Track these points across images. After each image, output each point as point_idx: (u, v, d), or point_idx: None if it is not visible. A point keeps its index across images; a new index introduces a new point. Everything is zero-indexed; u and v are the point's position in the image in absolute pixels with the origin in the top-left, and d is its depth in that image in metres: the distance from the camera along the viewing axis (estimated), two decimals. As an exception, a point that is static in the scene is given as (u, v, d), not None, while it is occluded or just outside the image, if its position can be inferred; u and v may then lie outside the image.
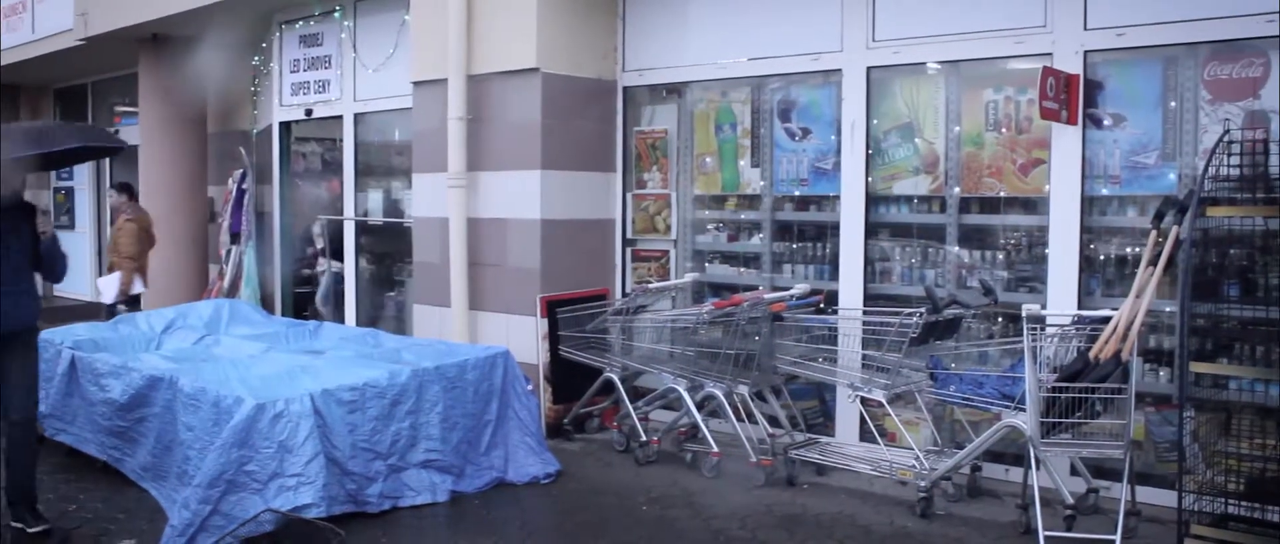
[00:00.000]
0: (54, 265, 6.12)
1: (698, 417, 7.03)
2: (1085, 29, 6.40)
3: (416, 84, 8.89)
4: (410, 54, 9.04)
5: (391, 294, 10.86)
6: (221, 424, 5.71)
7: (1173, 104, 6.24)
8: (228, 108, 12.85)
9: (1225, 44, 6.00)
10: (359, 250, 10.85)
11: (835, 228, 7.49)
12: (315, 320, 9.10)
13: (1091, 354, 5.35)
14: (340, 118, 10.75)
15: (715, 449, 6.93)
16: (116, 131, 16.39)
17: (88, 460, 6.99)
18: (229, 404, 5.75)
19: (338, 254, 10.92)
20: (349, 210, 10.77)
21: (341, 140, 10.82)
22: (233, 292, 11.62)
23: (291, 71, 11.22)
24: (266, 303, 11.50)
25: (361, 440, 6.10)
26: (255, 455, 5.64)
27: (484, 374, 6.75)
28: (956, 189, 7.05)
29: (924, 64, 7.13)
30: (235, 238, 11.94)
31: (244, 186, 11.85)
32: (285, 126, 11.52)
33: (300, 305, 11.68)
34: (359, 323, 10.62)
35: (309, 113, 11.05)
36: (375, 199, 10.83)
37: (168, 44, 12.23)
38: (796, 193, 7.87)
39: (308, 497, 5.70)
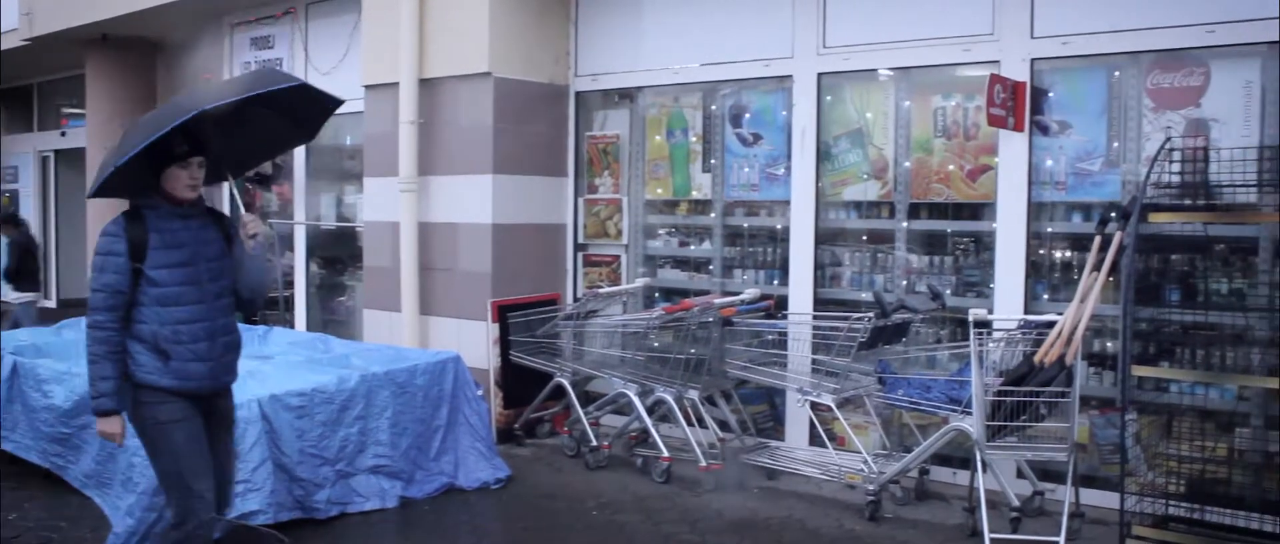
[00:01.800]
0: (255, 290, 4.83)
1: (648, 421, 7.04)
2: (1032, 37, 6.48)
3: (368, 88, 8.84)
4: (361, 57, 8.99)
5: (342, 299, 10.79)
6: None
7: (1117, 112, 6.33)
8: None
9: (1167, 53, 6.10)
10: (309, 255, 10.77)
11: (786, 233, 7.53)
12: (265, 325, 9.03)
13: (1036, 358, 5.41)
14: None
15: (666, 454, 6.94)
16: (62, 134, 16.24)
17: (30, 468, 6.88)
18: (174, 410, 5.69)
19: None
20: (299, 214, 10.69)
21: (292, 144, 10.72)
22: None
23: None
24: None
25: (310, 446, 6.06)
26: (201, 461, 5.58)
27: (434, 379, 6.73)
28: (906, 195, 7.11)
29: (874, 70, 7.19)
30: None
31: (194, 190, 11.69)
32: (236, 129, 11.38)
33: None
34: (309, 328, 10.54)
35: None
36: (326, 203, 10.76)
37: (116, 45, 12.09)
38: (747, 198, 7.91)
39: (255, 503, 5.65)
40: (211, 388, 4.66)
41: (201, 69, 11.81)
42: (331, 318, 10.76)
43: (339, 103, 5.00)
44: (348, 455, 6.25)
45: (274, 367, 6.84)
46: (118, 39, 12.04)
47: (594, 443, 7.36)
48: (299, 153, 10.59)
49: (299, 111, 4.96)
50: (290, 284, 10.90)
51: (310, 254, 10.78)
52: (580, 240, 8.68)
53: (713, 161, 8.03)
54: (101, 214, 11.61)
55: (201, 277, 4.55)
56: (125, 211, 4.52)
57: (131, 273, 4.41)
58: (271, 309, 11.18)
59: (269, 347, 7.86)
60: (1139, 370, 5.66)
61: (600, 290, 7.89)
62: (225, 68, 11.25)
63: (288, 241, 10.91)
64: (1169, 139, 5.72)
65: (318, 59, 10.20)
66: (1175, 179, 5.62)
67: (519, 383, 7.98)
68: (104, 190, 4.37)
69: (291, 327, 10.48)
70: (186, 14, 10.87)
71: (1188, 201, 5.69)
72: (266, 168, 10.74)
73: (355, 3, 9.21)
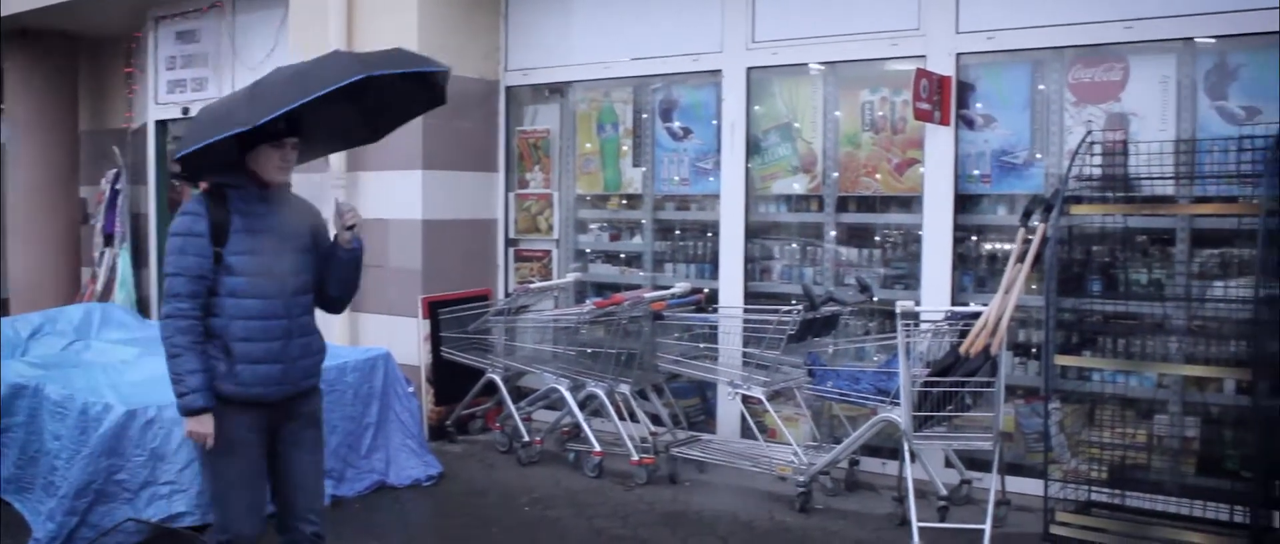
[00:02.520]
0: (346, 287, 4.41)
1: (580, 416, 7.04)
2: (957, 32, 6.56)
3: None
4: (289, 53, 8.88)
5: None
6: (89, 433, 5.54)
7: (1040, 106, 6.43)
8: (101, 105, 12.50)
9: (1088, 48, 6.20)
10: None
11: (715, 227, 7.56)
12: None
13: (962, 349, 5.48)
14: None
15: (597, 448, 6.95)
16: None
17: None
18: (98, 412, 5.58)
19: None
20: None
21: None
22: (106, 295, 11.31)
23: (167, 68, 10.93)
24: (143, 306, 11.22)
25: (237, 445, 5.98)
26: (125, 464, 5.49)
27: (364, 376, 6.67)
28: (834, 188, 7.17)
29: (802, 65, 7.24)
30: (109, 240, 11.61)
31: (118, 187, 11.52)
32: (161, 125, 11.23)
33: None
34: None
35: (186, 111, 10.80)
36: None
37: (36, 39, 11.85)
38: (678, 192, 7.93)
39: (182, 505, 5.58)
40: (283, 393, 4.16)
41: (125, 64, 11.63)
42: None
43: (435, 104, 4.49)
44: (275, 455, 6.17)
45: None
46: (38, 32, 11.79)
47: (526, 438, 7.35)
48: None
49: (395, 103, 4.51)
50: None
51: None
52: (511, 235, 8.65)
53: (643, 156, 8.04)
54: (27, 212, 11.41)
55: (283, 269, 4.12)
56: (206, 189, 4.08)
57: (213, 257, 3.98)
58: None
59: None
60: (1062, 360, 5.77)
61: (531, 285, 7.87)
62: (149, 62, 11.06)
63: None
64: (1089, 133, 5.82)
65: (245, 54, 10.06)
66: (1096, 172, 5.74)
67: (450, 379, 7.94)
68: (188, 160, 3.87)
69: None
70: (108, 6, 10.66)
71: (1108, 194, 5.82)
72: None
73: (282, -3, 9.11)
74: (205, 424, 3.99)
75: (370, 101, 4.36)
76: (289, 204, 4.25)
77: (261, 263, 4.05)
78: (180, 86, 10.83)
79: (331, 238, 4.30)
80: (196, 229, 3.97)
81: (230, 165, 4.06)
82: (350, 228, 4.21)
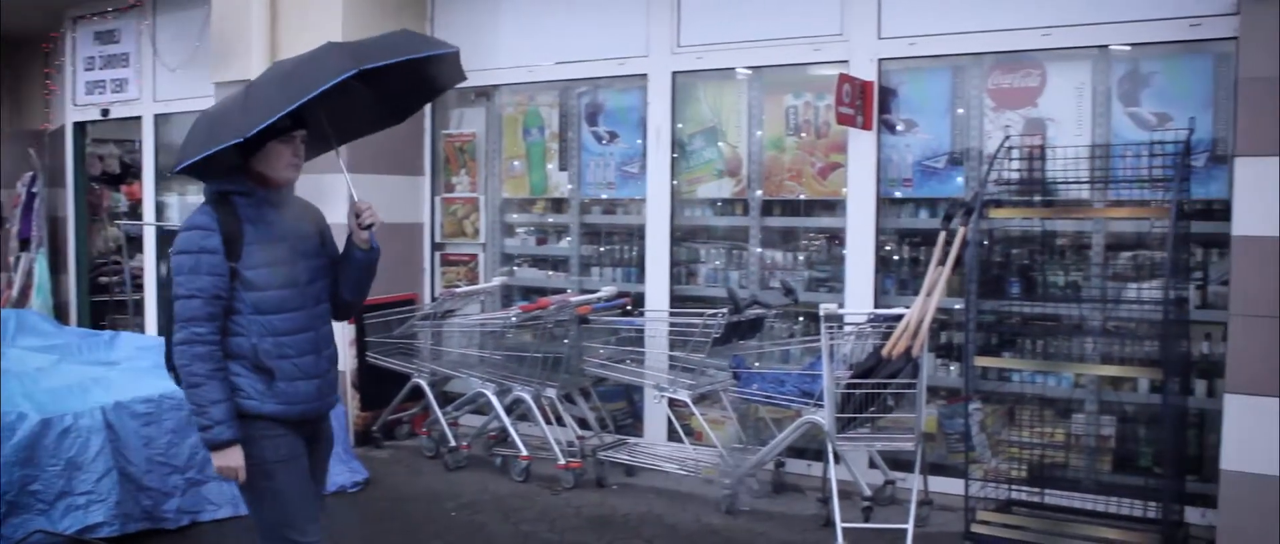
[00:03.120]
0: (361, 290, 4.16)
1: (506, 421, 7.02)
2: (879, 38, 6.63)
3: (218, 85, 8.61)
4: (211, 54, 8.76)
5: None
6: (2, 442, 5.42)
7: (960, 111, 6.53)
8: (20, 107, 12.23)
9: (1007, 55, 6.31)
10: (160, 257, 10.47)
11: (642, 231, 7.59)
12: (111, 330, 8.76)
13: (884, 351, 5.55)
14: (139, 119, 10.36)
15: (524, 453, 6.94)
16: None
17: None
18: (11, 421, 5.46)
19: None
20: (149, 215, 10.38)
21: (141, 142, 10.43)
22: (22, 301, 11.06)
23: (86, 69, 10.75)
24: (60, 312, 10.99)
25: (158, 454, 5.90)
26: (40, 474, 5.40)
27: (288, 382, 6.59)
28: (759, 192, 7.22)
29: (727, 69, 7.28)
30: (25, 244, 11.35)
31: (34, 190, 11.28)
32: (80, 127, 11.03)
33: (98, 314, 11.21)
34: (160, 332, 10.24)
35: (105, 113, 10.62)
36: (176, 204, 10.47)
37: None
38: (604, 196, 7.95)
39: (99, 515, 5.49)
40: (319, 410, 3.97)
41: (44, 65, 11.39)
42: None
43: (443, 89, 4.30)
44: (198, 463, 6.08)
45: (121, 373, 6.63)
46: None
47: (453, 443, 7.32)
48: (148, 151, 10.30)
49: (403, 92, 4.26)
50: (139, 287, 10.58)
51: (161, 256, 10.47)
52: (437, 240, 8.61)
53: (569, 160, 8.04)
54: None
55: (301, 277, 3.83)
56: (211, 198, 3.73)
57: (228, 273, 3.66)
58: (119, 314, 10.88)
59: (116, 352, 7.60)
60: (982, 361, 5.87)
61: (458, 290, 7.83)
62: (67, 63, 10.86)
63: (137, 244, 10.60)
64: (1008, 138, 5.93)
65: (166, 54, 9.92)
66: (1015, 177, 5.85)
67: (376, 384, 7.88)
68: (196, 167, 3.58)
69: (141, 331, 10.17)
70: (24, 6, 10.44)
71: (1026, 198, 5.93)
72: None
73: (204, -2, 8.98)
74: (234, 457, 3.67)
75: (381, 87, 4.06)
76: (295, 207, 3.95)
77: (283, 274, 3.77)
78: (99, 88, 10.65)
79: (348, 237, 4.01)
80: (209, 245, 3.63)
81: (233, 170, 3.74)
82: (368, 227, 3.93)
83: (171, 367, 3.75)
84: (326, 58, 3.68)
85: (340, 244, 4.04)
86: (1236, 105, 5.25)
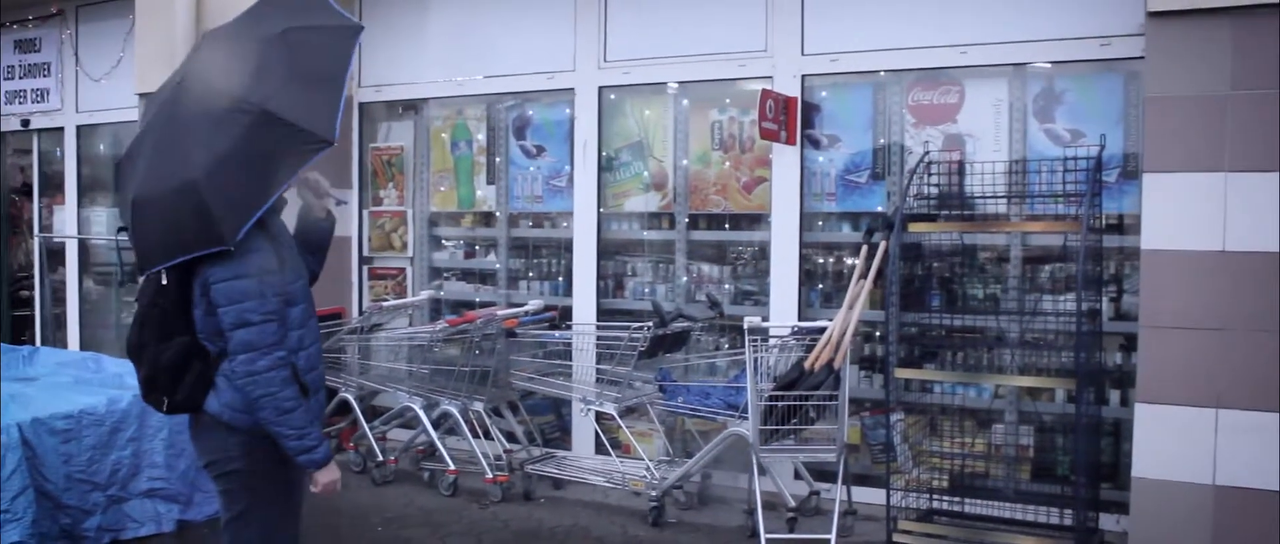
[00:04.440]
0: (323, 262, 4.13)
1: (434, 435, 7.01)
2: (803, 54, 6.72)
3: (143, 96, 8.51)
4: (135, 64, 8.66)
5: (119, 317, 10.35)
6: (-86, 460, 5.33)
7: (882, 126, 6.64)
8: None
9: (926, 72, 6.43)
10: (82, 270, 10.30)
11: (569, 244, 7.62)
12: (30, 346, 8.60)
13: (806, 364, 5.63)
14: (61, 130, 10.21)
15: (452, 467, 6.93)
16: None
17: None
18: (-80, 439, 5.37)
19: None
20: (71, 228, 10.22)
21: (63, 154, 10.28)
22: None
23: (5, 78, 10.56)
24: (-24, 327, 10.80)
25: (78, 471, 5.80)
26: (-48, 493, 5.30)
27: (212, 397, 6.53)
28: (685, 206, 7.28)
29: (653, 84, 7.34)
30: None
31: (-50, 202, 11.08)
32: (-1, 138, 10.87)
33: (18, 329, 11.00)
34: (81, 347, 10.08)
35: (26, 123, 10.44)
36: (101, 217, 10.30)
37: None
38: (532, 209, 7.96)
39: (15, 535, 5.38)
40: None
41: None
42: (106, 337, 10.31)
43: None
44: (120, 480, 6.00)
45: (39, 388, 6.51)
46: None
47: (380, 458, 7.28)
48: (70, 163, 10.15)
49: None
50: (61, 301, 10.40)
51: (83, 270, 10.31)
52: (365, 253, 8.57)
53: (497, 173, 8.05)
54: None
55: (308, 286, 3.84)
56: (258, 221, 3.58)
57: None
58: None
59: (35, 368, 7.46)
60: (903, 373, 5.95)
61: (385, 304, 7.81)
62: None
63: (58, 257, 10.43)
64: (927, 153, 6.04)
65: (89, 65, 9.79)
66: (934, 191, 5.96)
67: (302, 399, 7.81)
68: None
69: (62, 346, 10.00)
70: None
71: (946, 212, 6.04)
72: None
73: (129, 6, 8.85)
74: (335, 471, 3.71)
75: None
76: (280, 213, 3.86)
77: (303, 287, 3.76)
78: (19, 97, 10.46)
79: (300, 215, 3.99)
80: (270, 265, 3.58)
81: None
82: (327, 197, 3.95)
83: (154, 391, 3.74)
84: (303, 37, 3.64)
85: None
86: (1144, 122, 5.40)
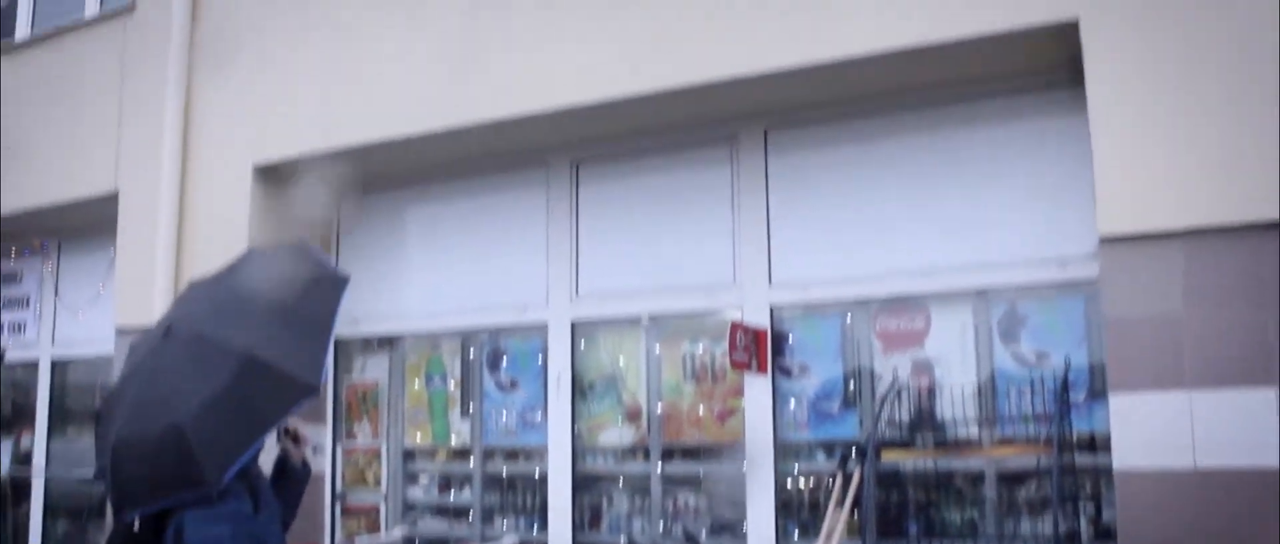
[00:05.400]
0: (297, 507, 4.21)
1: None
2: (770, 285, 6.85)
3: (121, 331, 8.56)
4: (115, 298, 8.74)
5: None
6: None
7: (851, 354, 6.69)
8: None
9: (892, 299, 6.54)
10: (47, 510, 10.12)
11: (544, 478, 7.55)
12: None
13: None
14: (35, 364, 10.27)
15: None
16: None
17: None
18: None
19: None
20: (39, 463, 10.10)
21: (36, 386, 10.31)
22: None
23: (-16, 310, 10.68)
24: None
25: None
26: None
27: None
28: (659, 438, 7.27)
29: (625, 317, 7.43)
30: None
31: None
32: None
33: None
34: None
35: (1, 355, 10.46)
36: (73, 451, 10.17)
37: None
38: (505, 444, 7.92)
39: None
40: None
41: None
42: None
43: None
44: None
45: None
46: None
47: None
48: (42, 397, 10.11)
49: None
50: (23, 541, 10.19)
51: (48, 509, 10.13)
52: (338, 489, 8.47)
53: (471, 407, 8.05)
54: None
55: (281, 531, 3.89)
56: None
57: None
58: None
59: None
60: (882, 602, 5.84)
61: (358, 539, 7.67)
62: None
63: (24, 491, 10.26)
64: (897, 380, 6.09)
65: (69, 297, 9.89)
66: (906, 417, 5.98)
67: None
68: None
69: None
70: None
71: (918, 438, 6.05)
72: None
73: (110, 240, 9.02)
74: None
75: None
76: None
77: (280, 532, 3.85)
78: (-4, 330, 10.54)
79: (282, 459, 4.07)
80: (246, 510, 3.65)
81: None
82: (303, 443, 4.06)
83: None
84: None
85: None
86: (1106, 343, 5.47)
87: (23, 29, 10.24)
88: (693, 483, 7.27)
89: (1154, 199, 5.23)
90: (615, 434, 7.46)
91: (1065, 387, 5.50)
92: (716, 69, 6.38)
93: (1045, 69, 6.00)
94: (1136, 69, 5.32)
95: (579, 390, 7.52)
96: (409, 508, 8.33)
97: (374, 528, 8.25)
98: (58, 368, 10.16)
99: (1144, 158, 5.27)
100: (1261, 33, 5.09)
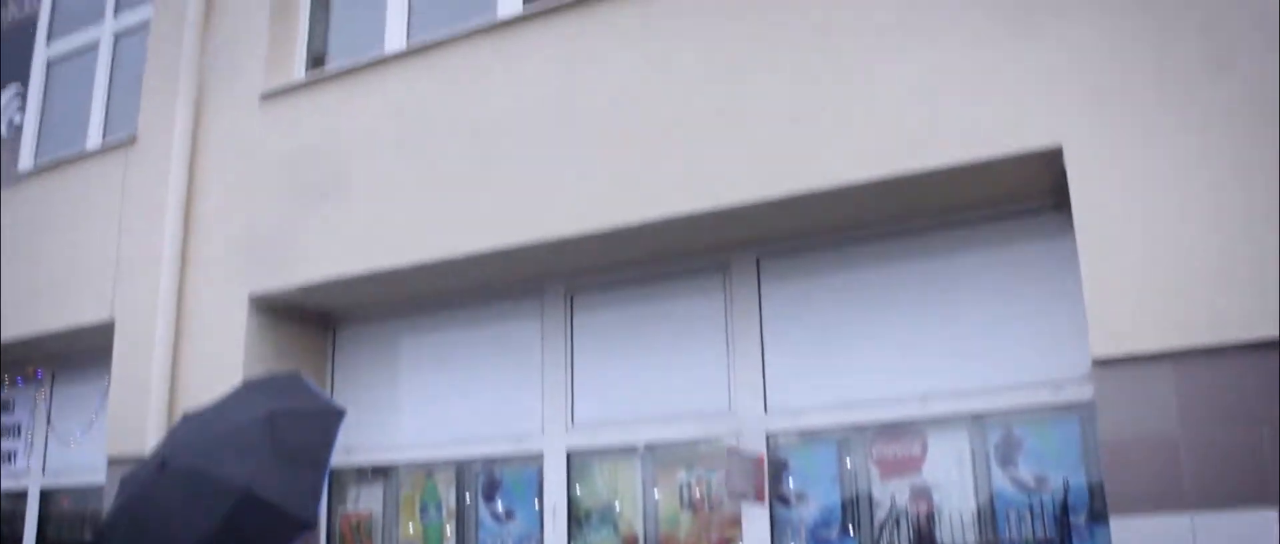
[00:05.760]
0: None
1: None
2: (766, 412, 6.83)
3: (112, 461, 8.48)
4: (108, 429, 8.69)
5: None
6: None
7: (848, 481, 6.64)
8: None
9: (889, 426, 6.51)
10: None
11: (538, 612, 7.44)
12: None
13: None
14: (24, 493, 10.17)
15: None
16: None
17: None
18: None
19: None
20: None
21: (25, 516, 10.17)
22: None
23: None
24: None
25: None
26: None
27: None
28: (656, 568, 7.19)
29: (620, 447, 7.39)
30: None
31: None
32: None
33: None
34: None
35: (-13, 489, 10.40)
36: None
37: None
38: (503, 577, 7.82)
39: None
40: None
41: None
42: None
43: None
44: None
45: None
46: None
47: None
48: (30, 526, 9.97)
49: None
50: None
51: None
52: (330, 626, 8.34)
53: (466, 538, 7.95)
54: None
55: None
56: None
57: None
58: None
59: None
60: None
61: None
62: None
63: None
64: (895, 506, 6.04)
65: (61, 426, 9.83)
66: None
67: None
68: None
69: None
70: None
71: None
72: None
73: (105, 370, 9.01)
74: None
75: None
76: None
77: None
78: (-13, 460, 10.47)
79: None
80: None
81: None
82: None
83: None
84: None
85: None
86: (1103, 466, 5.43)
87: (26, 160, 10.39)
88: (690, 615, 7.16)
89: (1145, 320, 5.24)
90: (611, 566, 7.37)
91: (1065, 510, 5.45)
92: (707, 200, 6.47)
93: (1032, 194, 6.10)
94: (1122, 192, 5.38)
95: (575, 520, 7.44)
96: (401, 644, 8.18)
97: (365, 665, 8.10)
98: (46, 497, 10.05)
99: (1134, 279, 5.30)
100: (1252, 151, 5.14)
